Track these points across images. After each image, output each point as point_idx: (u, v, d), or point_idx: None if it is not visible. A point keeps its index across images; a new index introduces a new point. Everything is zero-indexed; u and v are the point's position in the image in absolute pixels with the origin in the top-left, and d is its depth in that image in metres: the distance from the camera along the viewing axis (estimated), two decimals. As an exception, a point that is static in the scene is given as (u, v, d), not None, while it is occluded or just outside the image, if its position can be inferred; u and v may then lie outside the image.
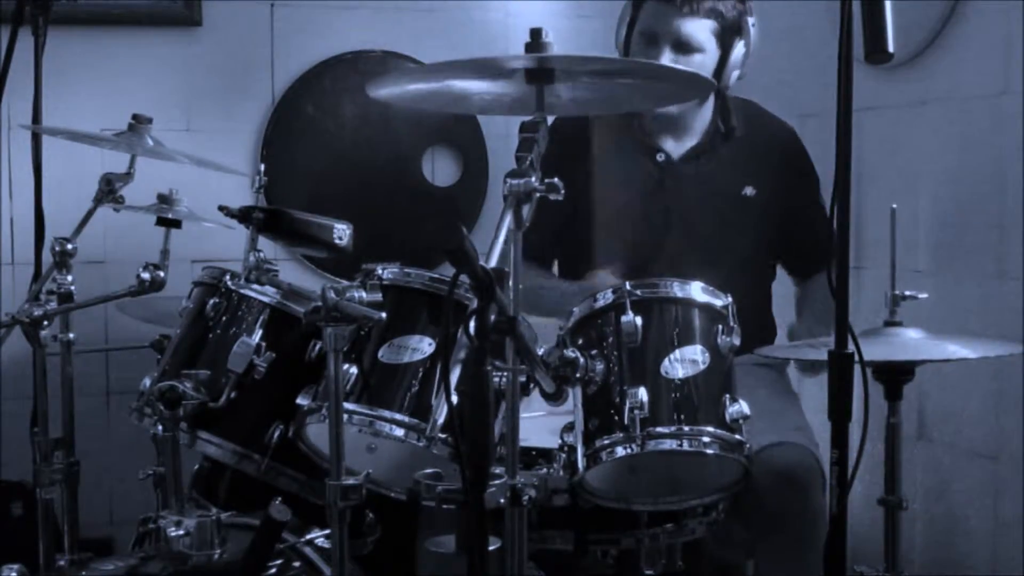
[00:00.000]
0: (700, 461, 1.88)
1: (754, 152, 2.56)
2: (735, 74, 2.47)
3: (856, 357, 1.63)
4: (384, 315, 1.81)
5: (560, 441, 1.87)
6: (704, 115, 2.56)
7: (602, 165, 2.55)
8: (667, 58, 2.42)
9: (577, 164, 2.50)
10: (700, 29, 2.42)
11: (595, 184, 2.54)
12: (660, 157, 2.55)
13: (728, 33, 2.44)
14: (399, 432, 1.87)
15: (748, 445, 1.84)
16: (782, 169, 2.58)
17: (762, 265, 2.64)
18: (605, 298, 1.89)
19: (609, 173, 2.55)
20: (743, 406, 1.85)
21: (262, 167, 2.30)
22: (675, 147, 2.56)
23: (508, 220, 1.59)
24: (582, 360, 1.83)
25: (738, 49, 2.45)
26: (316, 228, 2.21)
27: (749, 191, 2.54)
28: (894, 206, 1.98)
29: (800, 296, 2.70)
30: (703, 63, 2.43)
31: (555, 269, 2.71)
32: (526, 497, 1.59)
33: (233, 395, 2.05)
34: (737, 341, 1.89)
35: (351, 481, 1.75)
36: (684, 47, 2.42)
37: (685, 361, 1.85)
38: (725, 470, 1.89)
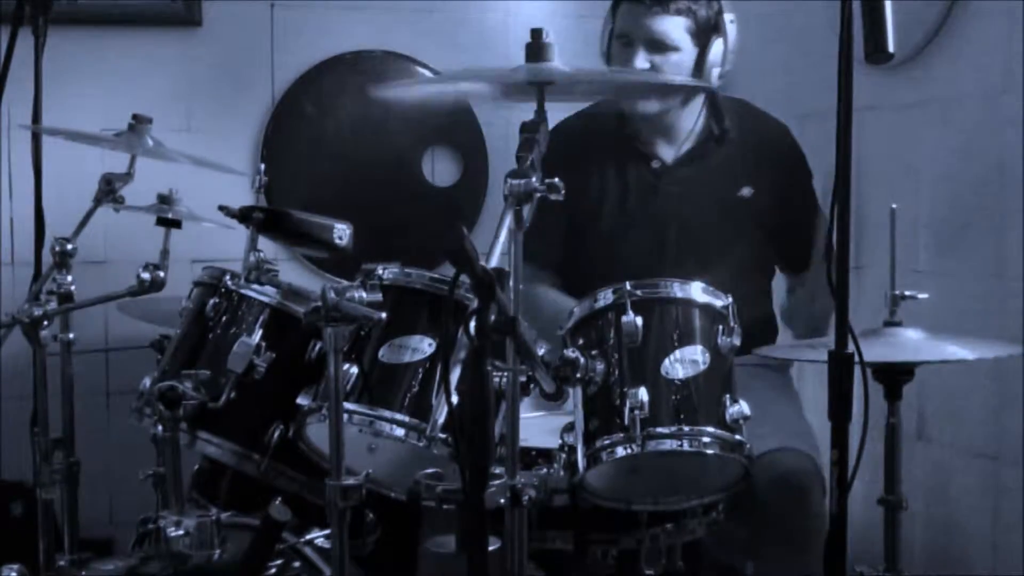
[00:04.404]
0: (700, 461, 1.88)
1: (749, 153, 2.55)
2: (715, 72, 2.44)
3: (856, 358, 1.63)
4: (384, 315, 1.81)
5: (560, 441, 1.87)
6: (696, 119, 2.54)
7: (598, 173, 2.54)
8: (642, 58, 2.40)
9: (573, 171, 2.48)
10: (673, 27, 2.40)
11: (592, 192, 2.53)
12: (655, 164, 2.54)
13: (704, 31, 2.41)
14: (399, 432, 1.87)
15: (748, 445, 1.85)
16: (777, 168, 2.57)
17: (762, 265, 2.63)
18: (606, 298, 1.89)
19: (605, 181, 2.54)
20: (743, 406, 1.85)
21: (262, 167, 2.30)
22: (669, 152, 2.55)
23: (508, 220, 1.59)
24: (582, 360, 1.83)
25: (716, 47, 2.42)
26: (316, 228, 2.21)
27: (746, 192, 2.52)
28: (894, 206, 1.98)
29: (791, 285, 2.69)
30: (680, 62, 2.41)
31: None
32: (526, 497, 1.59)
33: (233, 395, 2.05)
34: (738, 341, 1.89)
35: (351, 481, 1.75)
36: (658, 46, 2.40)
37: (685, 361, 1.85)
38: (725, 470, 1.89)
